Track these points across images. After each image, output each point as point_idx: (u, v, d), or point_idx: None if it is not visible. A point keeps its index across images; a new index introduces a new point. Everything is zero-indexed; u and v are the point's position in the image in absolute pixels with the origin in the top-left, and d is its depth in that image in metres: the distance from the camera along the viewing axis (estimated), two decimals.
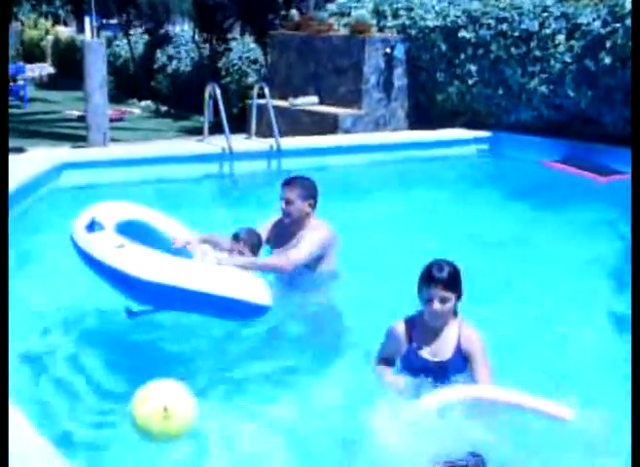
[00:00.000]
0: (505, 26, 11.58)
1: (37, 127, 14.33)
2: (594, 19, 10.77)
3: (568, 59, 11.05)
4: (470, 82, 12.06)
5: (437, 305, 3.91)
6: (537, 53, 11.34)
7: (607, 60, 10.58)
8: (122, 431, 3.64)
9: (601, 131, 11.17)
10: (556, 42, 11.16)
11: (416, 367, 4.03)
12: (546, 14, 11.31)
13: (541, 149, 11.17)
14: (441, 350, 4.03)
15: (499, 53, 11.70)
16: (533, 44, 11.36)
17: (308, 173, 5.47)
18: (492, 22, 11.71)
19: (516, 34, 11.50)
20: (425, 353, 4.05)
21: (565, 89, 11.15)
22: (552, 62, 11.19)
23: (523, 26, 11.44)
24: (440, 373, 3.99)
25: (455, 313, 4.06)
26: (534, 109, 11.69)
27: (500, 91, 11.85)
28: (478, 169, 11.12)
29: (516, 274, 6.18)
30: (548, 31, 11.20)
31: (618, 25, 10.47)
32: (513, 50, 11.56)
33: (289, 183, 5.21)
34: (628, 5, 10.30)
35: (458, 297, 4.00)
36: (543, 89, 11.35)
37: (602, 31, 10.64)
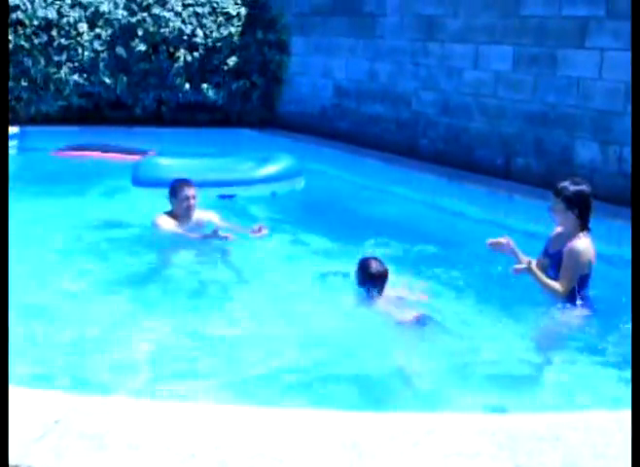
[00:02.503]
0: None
1: None
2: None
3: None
4: None
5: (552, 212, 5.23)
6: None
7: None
8: None
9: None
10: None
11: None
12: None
13: (69, 138, 11.19)
14: (554, 245, 5.26)
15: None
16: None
17: None
18: None
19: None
20: (551, 245, 5.35)
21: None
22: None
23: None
24: (550, 259, 5.29)
25: (579, 229, 5.11)
26: (64, 99, 11.86)
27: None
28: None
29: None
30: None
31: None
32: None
33: None
34: None
35: (575, 214, 5.08)
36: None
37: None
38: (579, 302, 5.10)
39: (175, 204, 6.67)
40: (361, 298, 5.20)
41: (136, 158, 10.31)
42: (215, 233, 6.37)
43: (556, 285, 5.06)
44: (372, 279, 5.16)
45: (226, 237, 6.41)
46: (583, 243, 5.09)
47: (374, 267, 5.17)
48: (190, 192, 6.63)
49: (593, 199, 7.77)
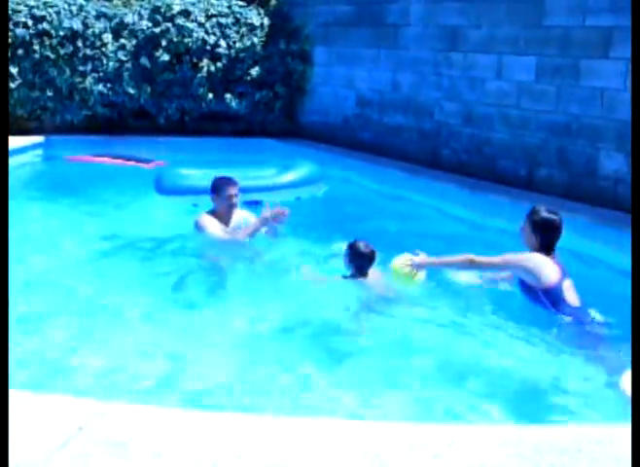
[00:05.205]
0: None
1: None
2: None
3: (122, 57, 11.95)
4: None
5: None
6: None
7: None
8: None
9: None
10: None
11: None
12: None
13: (93, 147, 11.40)
14: None
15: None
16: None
17: None
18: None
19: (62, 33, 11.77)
20: None
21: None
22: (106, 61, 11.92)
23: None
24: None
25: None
26: (88, 109, 12.04)
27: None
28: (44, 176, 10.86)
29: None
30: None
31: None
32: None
33: None
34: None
35: (538, 239, 5.21)
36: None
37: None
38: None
39: (218, 202, 6.52)
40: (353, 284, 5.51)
41: (140, 165, 10.69)
42: (269, 220, 6.39)
43: (464, 256, 5.38)
44: (361, 258, 5.55)
45: (277, 220, 6.42)
46: (535, 255, 5.19)
47: (363, 247, 5.56)
48: (234, 190, 6.50)
49: (617, 211, 7.77)
